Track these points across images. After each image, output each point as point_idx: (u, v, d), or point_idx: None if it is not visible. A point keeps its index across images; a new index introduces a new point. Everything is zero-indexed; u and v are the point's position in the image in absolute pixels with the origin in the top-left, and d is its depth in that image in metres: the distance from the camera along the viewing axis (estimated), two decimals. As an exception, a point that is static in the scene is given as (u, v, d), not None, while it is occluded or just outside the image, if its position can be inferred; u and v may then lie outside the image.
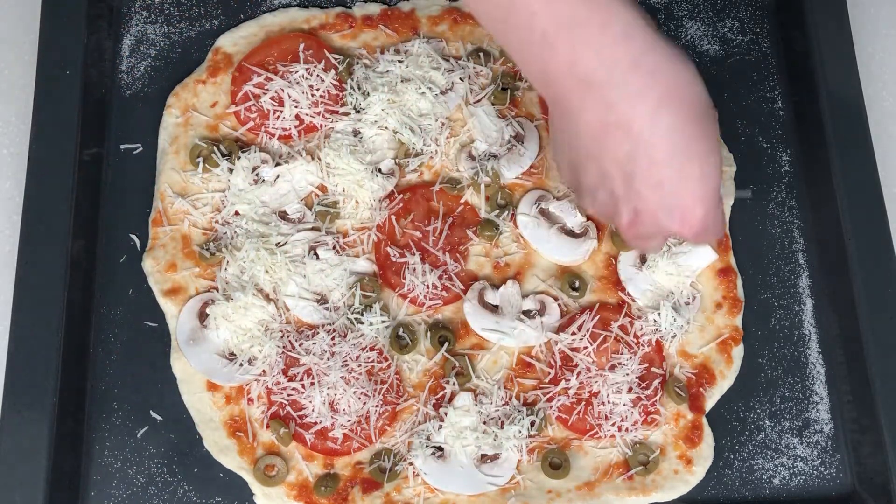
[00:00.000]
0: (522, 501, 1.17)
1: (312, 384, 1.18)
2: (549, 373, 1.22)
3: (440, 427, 1.18)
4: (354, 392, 1.18)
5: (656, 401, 1.21)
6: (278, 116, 1.29)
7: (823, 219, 1.30)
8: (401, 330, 1.23)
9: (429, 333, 1.23)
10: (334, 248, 1.25)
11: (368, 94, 1.30)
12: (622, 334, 1.23)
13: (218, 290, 1.23)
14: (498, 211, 1.28)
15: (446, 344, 1.22)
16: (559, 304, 1.25)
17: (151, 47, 1.37)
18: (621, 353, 1.21)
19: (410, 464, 1.18)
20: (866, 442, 1.21)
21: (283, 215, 1.27)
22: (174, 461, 1.20)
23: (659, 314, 1.23)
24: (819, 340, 1.28)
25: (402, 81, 1.30)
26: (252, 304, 1.21)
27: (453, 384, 1.21)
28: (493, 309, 1.24)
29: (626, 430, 1.19)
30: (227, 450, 1.19)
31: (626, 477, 1.19)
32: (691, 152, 0.95)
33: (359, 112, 1.31)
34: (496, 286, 1.26)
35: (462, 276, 1.26)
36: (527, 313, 1.24)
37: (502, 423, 1.19)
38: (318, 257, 1.24)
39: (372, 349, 1.21)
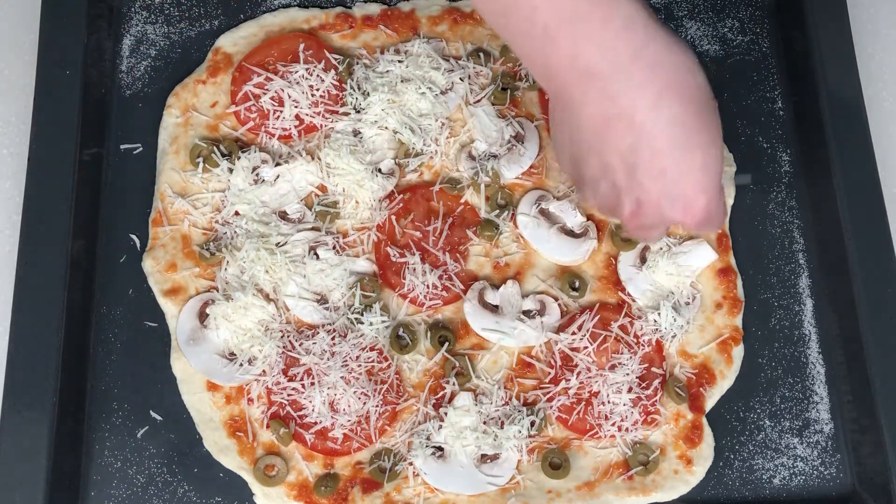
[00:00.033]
0: (522, 501, 1.17)
1: (312, 384, 1.18)
2: (549, 373, 1.22)
3: (440, 427, 1.18)
4: (354, 392, 1.18)
5: (656, 401, 1.21)
6: (278, 116, 1.29)
7: (823, 219, 1.30)
8: (401, 330, 1.23)
9: (429, 333, 1.23)
10: (334, 248, 1.25)
11: (368, 94, 1.30)
12: (622, 334, 1.23)
13: (218, 290, 1.23)
14: (498, 211, 1.28)
15: (446, 344, 1.22)
16: (559, 304, 1.25)
17: (151, 47, 1.37)
18: (621, 353, 1.21)
19: (410, 464, 1.18)
20: (866, 442, 1.21)
21: (283, 215, 1.27)
22: (174, 461, 1.20)
23: (659, 314, 1.23)
24: (819, 340, 1.28)
25: (402, 81, 1.30)
26: (252, 304, 1.21)
27: (453, 384, 1.21)
28: (493, 309, 1.24)
29: (626, 430, 1.19)
30: (227, 450, 1.19)
31: (626, 477, 1.19)
32: (693, 142, 0.96)
33: (359, 112, 1.31)
34: (496, 286, 1.26)
35: (462, 276, 1.26)
36: (527, 313, 1.24)
37: (502, 423, 1.19)
38: (318, 257, 1.24)
39: (372, 349, 1.21)
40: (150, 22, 1.38)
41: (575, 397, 1.20)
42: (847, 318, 1.24)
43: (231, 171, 1.27)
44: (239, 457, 1.18)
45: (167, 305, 1.24)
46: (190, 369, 1.21)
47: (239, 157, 1.27)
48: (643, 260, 1.27)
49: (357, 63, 1.33)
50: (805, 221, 1.33)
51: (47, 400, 1.14)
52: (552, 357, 1.22)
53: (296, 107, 1.30)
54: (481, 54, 1.34)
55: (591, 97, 0.95)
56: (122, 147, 1.32)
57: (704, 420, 1.22)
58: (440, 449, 1.18)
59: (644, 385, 1.21)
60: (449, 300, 1.25)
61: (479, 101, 1.33)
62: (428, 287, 1.24)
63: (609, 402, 1.19)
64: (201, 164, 1.28)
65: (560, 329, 1.23)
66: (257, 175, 1.27)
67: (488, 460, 1.19)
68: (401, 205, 1.28)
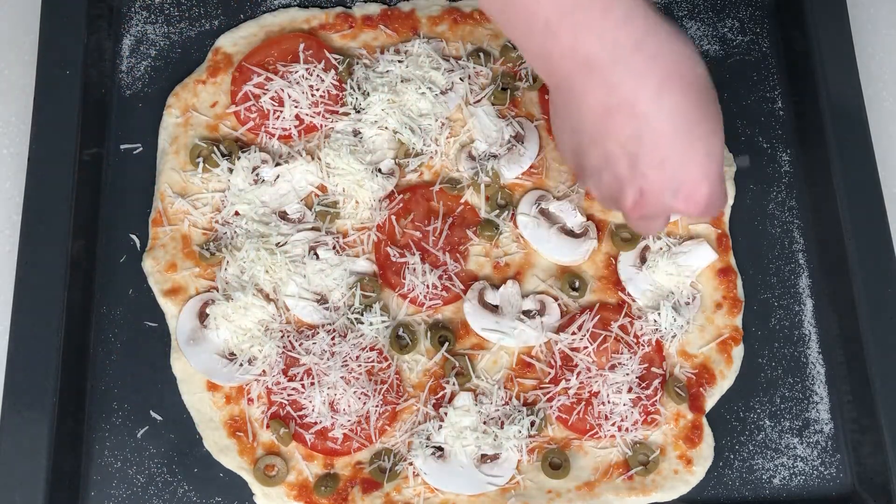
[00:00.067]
0: (522, 501, 1.17)
1: (312, 384, 1.18)
2: (549, 373, 1.22)
3: (440, 427, 1.18)
4: (354, 392, 1.18)
5: (656, 401, 1.21)
6: (278, 116, 1.29)
7: (823, 219, 1.30)
8: (401, 330, 1.23)
9: (429, 333, 1.23)
10: (334, 248, 1.25)
11: (368, 94, 1.30)
12: (622, 334, 1.23)
13: (218, 290, 1.23)
14: (498, 211, 1.28)
15: (446, 344, 1.22)
16: (559, 304, 1.25)
17: (151, 47, 1.37)
18: (621, 353, 1.21)
19: (410, 464, 1.18)
20: (866, 442, 1.21)
21: (283, 215, 1.27)
22: (174, 461, 1.20)
23: (659, 314, 1.23)
24: (819, 340, 1.28)
25: (402, 81, 1.30)
26: (252, 304, 1.21)
27: (453, 384, 1.21)
28: (493, 309, 1.24)
29: (626, 430, 1.19)
30: (227, 450, 1.19)
31: (626, 477, 1.19)
32: (695, 132, 0.96)
33: (359, 112, 1.31)
34: (496, 286, 1.26)
35: (462, 276, 1.26)
36: (527, 313, 1.24)
37: (502, 423, 1.19)
38: (318, 257, 1.24)
39: (372, 349, 1.21)
40: (150, 22, 1.38)
41: (575, 397, 1.20)
42: (847, 318, 1.24)
43: (231, 171, 1.27)
44: (239, 457, 1.18)
45: (167, 305, 1.24)
46: (190, 369, 1.21)
47: (239, 157, 1.27)
48: (643, 260, 1.27)
49: (357, 63, 1.33)
50: (805, 221, 1.33)
51: (47, 400, 1.14)
52: (552, 357, 1.22)
53: (296, 107, 1.30)
54: (481, 54, 1.34)
55: (593, 88, 0.95)
56: (122, 147, 1.32)
57: (704, 420, 1.23)
58: (440, 449, 1.18)
59: (644, 385, 1.21)
60: (449, 300, 1.25)
61: (479, 101, 1.33)
62: (428, 287, 1.24)
63: (609, 402, 1.19)
64: (201, 164, 1.28)
65: (560, 329, 1.23)
66: (257, 175, 1.27)
67: (488, 460, 1.19)
68: (401, 205, 1.28)
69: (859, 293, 1.22)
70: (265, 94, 1.29)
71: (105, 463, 1.20)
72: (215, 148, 1.29)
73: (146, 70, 1.35)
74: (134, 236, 1.28)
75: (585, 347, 1.21)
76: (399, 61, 1.31)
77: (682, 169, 0.97)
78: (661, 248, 1.27)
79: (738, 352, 1.25)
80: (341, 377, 1.18)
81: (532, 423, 1.19)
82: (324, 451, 1.19)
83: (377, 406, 1.19)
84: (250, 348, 1.21)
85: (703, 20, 1.41)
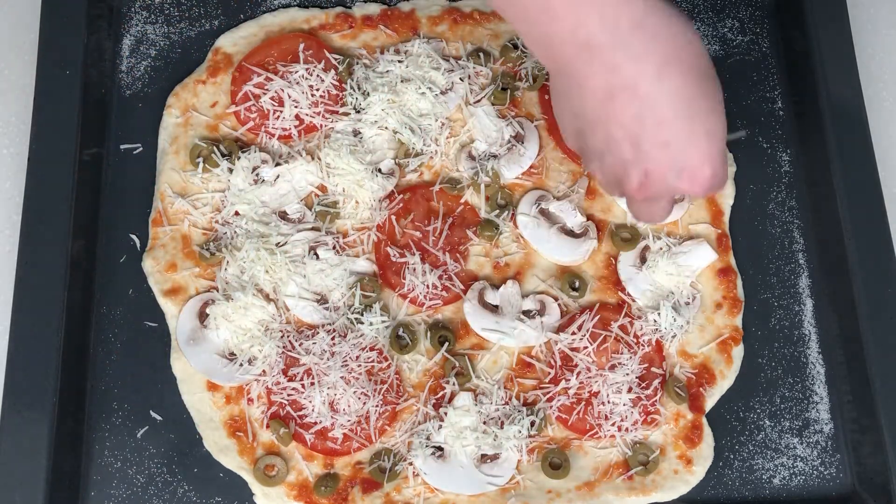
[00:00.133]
0: (522, 501, 1.17)
1: (312, 384, 1.18)
2: (549, 373, 1.22)
3: (440, 427, 1.18)
4: (354, 392, 1.18)
5: (656, 401, 1.21)
6: (278, 116, 1.29)
7: (823, 219, 1.30)
8: (401, 330, 1.23)
9: (429, 333, 1.23)
10: (334, 248, 1.25)
11: (368, 94, 1.30)
12: (622, 334, 1.23)
13: (218, 290, 1.23)
14: (498, 211, 1.28)
15: (446, 344, 1.22)
16: (559, 304, 1.25)
17: (151, 47, 1.37)
18: (621, 353, 1.21)
19: (410, 464, 1.18)
20: (866, 442, 1.21)
21: (283, 215, 1.27)
22: (174, 461, 1.20)
23: (659, 314, 1.23)
24: (819, 340, 1.28)
25: (402, 81, 1.30)
26: (252, 304, 1.21)
27: (453, 384, 1.21)
28: (493, 309, 1.24)
29: (626, 430, 1.19)
30: (227, 450, 1.19)
31: (626, 477, 1.19)
32: (697, 110, 0.97)
33: (359, 112, 1.31)
34: (496, 286, 1.26)
35: (462, 276, 1.26)
36: (527, 313, 1.24)
37: (502, 423, 1.19)
38: (318, 257, 1.24)
39: (372, 349, 1.21)
40: (150, 22, 1.38)
41: (575, 397, 1.20)
42: (847, 318, 1.24)
43: (231, 171, 1.27)
44: (239, 457, 1.18)
45: (167, 305, 1.24)
46: (190, 369, 1.21)
47: (239, 157, 1.27)
48: (643, 260, 1.27)
49: (357, 63, 1.33)
50: (805, 221, 1.33)
51: (47, 400, 1.14)
52: (552, 357, 1.22)
53: (296, 107, 1.30)
54: (481, 54, 1.34)
55: (594, 70, 0.96)
56: (122, 147, 1.32)
57: (704, 420, 1.23)
58: (440, 449, 1.18)
59: (644, 385, 1.21)
60: (449, 300, 1.25)
61: (479, 101, 1.33)
62: (428, 287, 1.24)
63: (609, 402, 1.19)
64: (201, 164, 1.28)
65: (560, 329, 1.23)
66: (257, 175, 1.27)
67: (488, 460, 1.19)
68: (401, 205, 1.28)
69: (859, 293, 1.22)
70: (265, 94, 1.29)
71: (105, 463, 1.20)
72: (215, 148, 1.29)
73: (146, 70, 1.35)
74: (134, 236, 1.28)
75: (585, 347, 1.21)
76: (399, 61, 1.31)
77: (685, 149, 0.98)
78: (661, 248, 1.27)
79: (738, 352, 1.25)
80: (341, 377, 1.18)
81: (532, 423, 1.19)
82: (324, 451, 1.19)
83: (377, 406, 1.19)
84: (250, 348, 1.21)
85: (703, 20, 1.41)
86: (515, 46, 1.34)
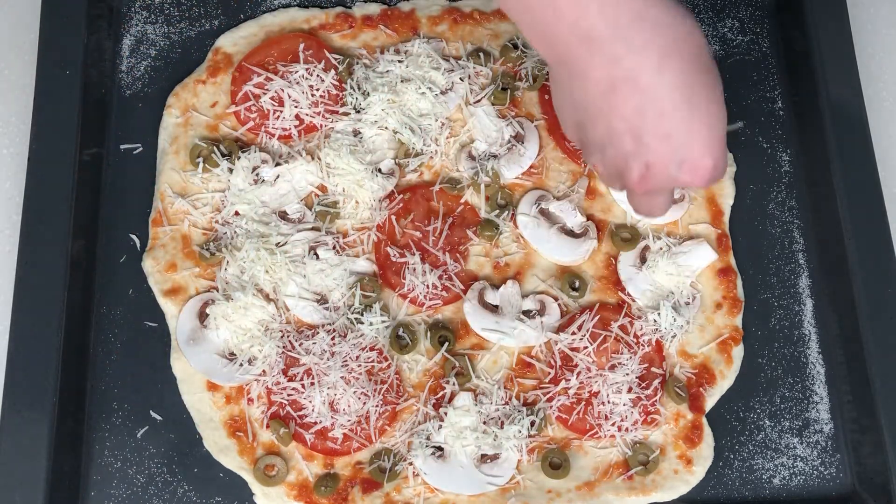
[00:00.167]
0: (522, 501, 1.17)
1: (312, 384, 1.18)
2: (549, 373, 1.22)
3: (440, 427, 1.18)
4: (354, 392, 1.18)
5: (656, 401, 1.21)
6: (278, 116, 1.29)
7: (823, 219, 1.30)
8: (401, 330, 1.23)
9: (429, 333, 1.23)
10: (334, 248, 1.25)
11: (368, 94, 1.30)
12: (622, 334, 1.23)
13: (218, 290, 1.23)
14: (498, 211, 1.28)
15: (446, 344, 1.22)
16: (559, 304, 1.25)
17: (151, 47, 1.37)
18: (621, 353, 1.21)
19: (410, 464, 1.18)
20: (866, 442, 1.21)
21: (283, 215, 1.27)
22: (174, 461, 1.20)
23: (659, 314, 1.23)
24: (819, 340, 1.28)
25: (402, 81, 1.30)
26: (252, 304, 1.21)
27: (453, 384, 1.21)
28: (493, 309, 1.24)
29: (626, 430, 1.19)
30: (227, 450, 1.19)
31: (625, 477, 1.19)
32: (698, 102, 0.97)
33: (359, 112, 1.31)
34: (496, 286, 1.26)
35: (462, 276, 1.26)
36: (527, 313, 1.24)
37: (502, 423, 1.19)
38: (318, 257, 1.24)
39: (372, 349, 1.21)
40: (150, 22, 1.38)
41: (575, 397, 1.20)
42: (847, 318, 1.24)
43: (231, 171, 1.27)
44: (239, 457, 1.18)
45: (167, 305, 1.24)
46: (190, 369, 1.21)
47: (239, 157, 1.27)
48: (643, 260, 1.27)
49: (357, 63, 1.33)
50: (805, 221, 1.33)
51: (47, 400, 1.14)
52: (552, 357, 1.22)
53: (296, 107, 1.30)
54: (481, 54, 1.34)
55: (595, 63, 0.96)
56: (122, 147, 1.32)
57: (704, 420, 1.23)
58: (440, 449, 1.18)
59: (644, 385, 1.21)
60: (449, 300, 1.25)
61: (479, 101, 1.33)
62: (428, 287, 1.24)
63: (609, 402, 1.19)
64: (201, 164, 1.28)
65: (560, 329, 1.23)
66: (257, 175, 1.27)
67: (488, 460, 1.19)
68: (401, 205, 1.28)
69: (859, 293, 1.22)
70: (265, 94, 1.29)
71: (105, 463, 1.20)
72: (215, 148, 1.29)
73: (146, 70, 1.35)
74: (134, 236, 1.28)
75: (585, 347, 1.21)
76: (399, 61, 1.31)
77: (687, 140, 0.98)
78: (661, 248, 1.27)
79: (738, 352, 1.26)
80: (341, 377, 1.18)
81: (532, 423, 1.19)
82: (324, 451, 1.19)
83: (377, 406, 1.19)
84: (250, 348, 1.21)
85: (703, 20, 1.41)
86: (515, 46, 1.34)
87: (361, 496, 1.17)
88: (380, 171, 1.28)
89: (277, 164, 1.28)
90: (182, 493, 1.19)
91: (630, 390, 1.20)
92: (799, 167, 1.35)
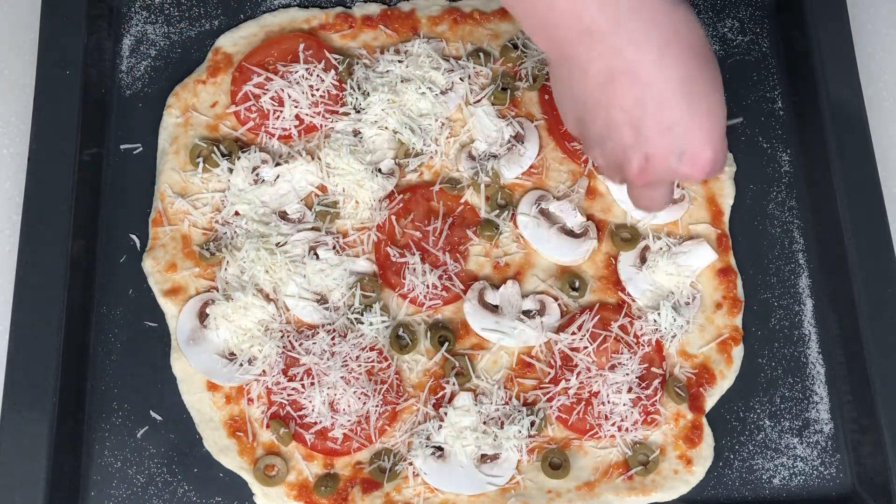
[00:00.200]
0: (522, 501, 1.17)
1: (312, 384, 1.18)
2: (549, 373, 1.22)
3: (440, 427, 1.18)
4: (354, 392, 1.18)
5: (656, 401, 1.21)
6: (278, 116, 1.29)
7: (823, 219, 1.30)
8: (401, 330, 1.23)
9: (429, 333, 1.23)
10: (334, 248, 1.25)
11: (368, 94, 1.30)
12: (622, 334, 1.23)
13: (218, 290, 1.23)
14: (498, 211, 1.28)
15: (446, 344, 1.22)
16: (559, 304, 1.25)
17: (151, 47, 1.37)
18: (621, 353, 1.21)
19: (410, 464, 1.18)
20: (866, 442, 1.21)
21: (283, 215, 1.27)
22: (174, 461, 1.20)
23: (659, 314, 1.23)
24: (819, 340, 1.28)
25: (402, 81, 1.30)
26: (252, 304, 1.21)
27: (453, 384, 1.21)
28: (493, 309, 1.24)
29: (626, 430, 1.19)
30: (227, 450, 1.19)
31: (626, 477, 1.19)
32: (697, 93, 0.97)
33: (359, 112, 1.31)
34: (496, 286, 1.26)
35: (462, 276, 1.26)
36: (527, 313, 1.24)
37: (502, 423, 1.19)
38: (318, 257, 1.24)
39: (372, 349, 1.21)
40: (150, 22, 1.38)
41: (575, 397, 1.20)
42: (847, 318, 1.24)
43: (231, 171, 1.27)
44: (239, 457, 1.18)
45: (167, 305, 1.24)
46: (190, 369, 1.21)
47: (239, 157, 1.27)
48: (643, 260, 1.27)
49: (357, 63, 1.33)
50: (805, 221, 1.33)
51: (47, 400, 1.14)
52: (552, 357, 1.22)
53: (296, 107, 1.30)
54: (481, 54, 1.34)
55: (594, 55, 0.96)
56: (122, 147, 1.32)
57: (704, 420, 1.23)
58: (440, 449, 1.18)
59: (644, 385, 1.21)
60: (449, 300, 1.25)
61: (479, 101, 1.33)
62: (428, 287, 1.24)
63: (609, 402, 1.19)
64: (201, 164, 1.28)
65: (560, 329, 1.23)
66: (257, 175, 1.27)
67: (488, 460, 1.19)
68: (401, 205, 1.28)
69: (859, 293, 1.22)
70: (265, 94, 1.29)
71: (105, 463, 1.20)
72: (215, 148, 1.29)
73: (146, 70, 1.35)
74: (134, 236, 1.28)
75: (585, 347, 1.21)
76: (399, 61, 1.31)
77: (687, 133, 0.98)
78: (661, 248, 1.27)
79: (738, 352, 1.26)
80: (341, 377, 1.18)
81: (532, 423, 1.19)
82: (324, 451, 1.19)
83: (377, 406, 1.19)
84: (250, 348, 1.21)
85: (703, 20, 1.41)
86: (515, 46, 1.34)
87: (361, 496, 1.17)
88: (380, 171, 1.28)
89: (277, 164, 1.28)
90: (182, 493, 1.19)
91: (630, 390, 1.20)
92: (799, 167, 1.35)
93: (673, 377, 1.23)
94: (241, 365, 1.20)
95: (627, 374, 1.20)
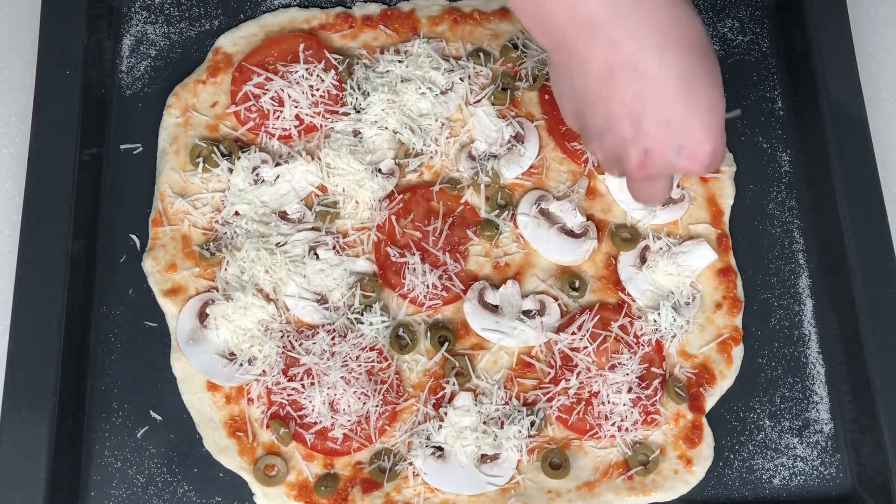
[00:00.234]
0: (522, 501, 1.17)
1: (312, 384, 1.18)
2: (549, 373, 1.22)
3: (440, 427, 1.18)
4: (354, 392, 1.18)
5: (656, 401, 1.21)
6: (278, 116, 1.29)
7: (823, 219, 1.30)
8: (401, 330, 1.23)
9: (429, 333, 1.23)
10: (334, 248, 1.25)
11: (368, 94, 1.30)
12: (622, 334, 1.23)
13: (218, 290, 1.23)
14: (498, 211, 1.28)
15: (446, 344, 1.22)
16: (559, 304, 1.25)
17: (151, 47, 1.37)
18: (621, 353, 1.21)
19: (410, 464, 1.18)
20: (866, 442, 1.21)
21: (283, 215, 1.27)
22: (174, 461, 1.20)
23: (659, 314, 1.23)
24: (819, 340, 1.28)
25: (402, 81, 1.30)
26: (252, 304, 1.21)
27: (453, 384, 1.21)
28: (493, 309, 1.24)
29: (626, 430, 1.19)
30: (227, 450, 1.19)
31: (625, 477, 1.19)
32: (697, 86, 0.97)
33: (359, 112, 1.31)
34: (496, 286, 1.26)
35: (462, 276, 1.26)
36: (527, 313, 1.24)
37: (502, 423, 1.19)
38: (318, 257, 1.24)
39: (372, 349, 1.21)
40: (150, 22, 1.38)
41: (575, 397, 1.20)
42: (847, 318, 1.24)
43: (231, 171, 1.27)
44: (239, 457, 1.18)
45: (167, 305, 1.24)
46: (190, 369, 1.21)
47: (239, 157, 1.27)
48: (643, 260, 1.27)
49: (357, 63, 1.33)
50: (805, 221, 1.33)
51: (47, 400, 1.14)
52: (552, 357, 1.22)
53: (296, 107, 1.30)
54: (481, 54, 1.34)
55: (594, 49, 0.96)
56: (122, 147, 1.32)
57: (704, 420, 1.23)
58: (440, 449, 1.18)
59: (644, 385, 1.21)
60: (449, 300, 1.25)
61: (479, 101, 1.33)
62: (428, 287, 1.24)
63: (609, 402, 1.19)
64: (201, 164, 1.28)
65: (560, 329, 1.23)
66: (257, 175, 1.27)
67: (488, 460, 1.19)
68: (401, 205, 1.28)
69: (859, 293, 1.22)
70: (265, 94, 1.29)
71: (105, 463, 1.20)
72: (215, 148, 1.29)
73: (146, 70, 1.35)
74: (134, 236, 1.28)
75: (585, 347, 1.21)
76: (399, 61, 1.31)
77: (686, 126, 0.98)
78: (661, 248, 1.27)
79: (738, 352, 1.26)
80: (341, 377, 1.18)
81: (532, 423, 1.19)
82: (324, 451, 1.19)
83: (377, 406, 1.19)
84: (250, 348, 1.21)
85: (703, 20, 1.40)
86: (515, 46, 1.34)
87: (361, 496, 1.17)
88: (380, 171, 1.28)
89: (277, 164, 1.28)
90: (182, 493, 1.19)
91: (630, 390, 1.20)
92: (799, 167, 1.35)
93: (673, 377, 1.23)
94: (241, 365, 1.20)
95: (627, 374, 1.20)
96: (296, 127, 1.30)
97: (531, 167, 1.31)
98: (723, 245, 1.29)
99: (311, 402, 1.18)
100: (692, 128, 0.98)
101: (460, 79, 1.32)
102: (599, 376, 1.20)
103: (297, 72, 1.30)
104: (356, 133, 1.30)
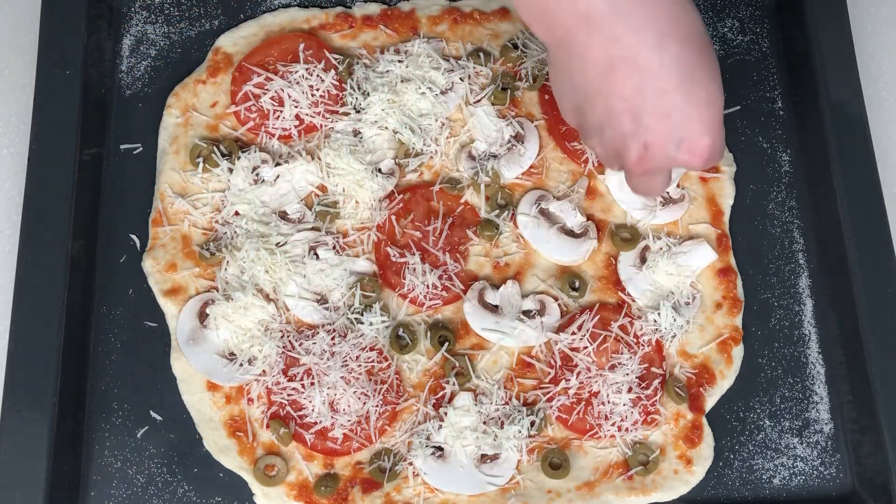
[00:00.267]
0: (522, 501, 1.17)
1: (312, 384, 1.18)
2: (549, 373, 1.22)
3: (440, 427, 1.18)
4: (354, 392, 1.18)
5: (656, 401, 1.21)
6: (278, 116, 1.29)
7: (823, 219, 1.30)
8: (401, 330, 1.23)
9: (429, 333, 1.23)
10: (334, 248, 1.25)
11: (368, 94, 1.30)
12: (622, 334, 1.23)
13: (218, 290, 1.23)
14: (498, 211, 1.28)
15: (446, 344, 1.22)
16: (559, 304, 1.25)
17: (151, 47, 1.37)
18: (621, 353, 1.21)
19: (410, 464, 1.18)
20: (866, 442, 1.21)
21: (283, 215, 1.27)
22: (174, 461, 1.20)
23: (659, 314, 1.23)
24: (819, 340, 1.28)
25: (402, 81, 1.30)
26: (252, 304, 1.21)
27: (453, 384, 1.21)
28: (493, 309, 1.24)
29: (626, 430, 1.19)
30: (227, 450, 1.19)
31: (625, 477, 1.19)
32: (695, 81, 0.97)
33: (359, 112, 1.31)
34: (496, 286, 1.26)
35: (462, 276, 1.26)
36: (527, 313, 1.24)
37: (502, 423, 1.19)
38: (318, 257, 1.24)
39: (372, 349, 1.21)
40: (150, 22, 1.38)
41: (575, 397, 1.20)
42: (847, 318, 1.24)
43: (231, 171, 1.27)
44: (239, 457, 1.18)
45: (167, 305, 1.24)
46: (190, 369, 1.21)
47: (239, 157, 1.27)
48: (643, 260, 1.27)
49: (357, 63, 1.33)
50: (805, 221, 1.33)
51: (47, 400, 1.14)
52: (552, 357, 1.22)
53: (296, 107, 1.30)
54: (481, 54, 1.34)
55: (594, 42, 0.96)
56: (122, 147, 1.32)
57: (704, 420, 1.22)
58: (440, 449, 1.18)
59: (644, 385, 1.21)
60: (449, 300, 1.25)
61: (479, 101, 1.33)
62: (428, 287, 1.24)
63: (609, 402, 1.19)
64: (201, 164, 1.28)
65: (560, 329, 1.23)
66: (257, 175, 1.27)
67: (488, 460, 1.19)
68: (401, 205, 1.28)
69: (859, 293, 1.22)
70: (265, 94, 1.29)
71: (105, 463, 1.20)
72: (215, 148, 1.29)
73: (146, 70, 1.35)
74: (134, 236, 1.28)
75: (585, 347, 1.21)
76: (399, 61, 1.31)
77: (685, 120, 0.98)
78: (661, 248, 1.27)
79: (738, 352, 1.26)
80: (341, 377, 1.18)
81: (532, 423, 1.19)
82: (324, 451, 1.19)
83: (377, 406, 1.19)
84: (250, 348, 1.21)
85: (703, 20, 1.40)
86: (515, 46, 1.34)
87: (361, 496, 1.17)
88: (380, 171, 1.28)
89: (277, 164, 1.28)
90: (182, 493, 1.19)
91: (630, 390, 1.20)
92: (799, 167, 1.35)
93: (673, 377, 1.23)
94: (241, 365, 1.20)
95: (627, 374, 1.20)
96: (296, 127, 1.30)
97: (531, 167, 1.31)
98: (723, 245, 1.29)
99: (311, 402, 1.18)
100: (691, 122, 0.98)
101: (460, 79, 1.32)
102: (599, 376, 1.20)
103: (297, 72, 1.30)
104: (356, 133, 1.30)
